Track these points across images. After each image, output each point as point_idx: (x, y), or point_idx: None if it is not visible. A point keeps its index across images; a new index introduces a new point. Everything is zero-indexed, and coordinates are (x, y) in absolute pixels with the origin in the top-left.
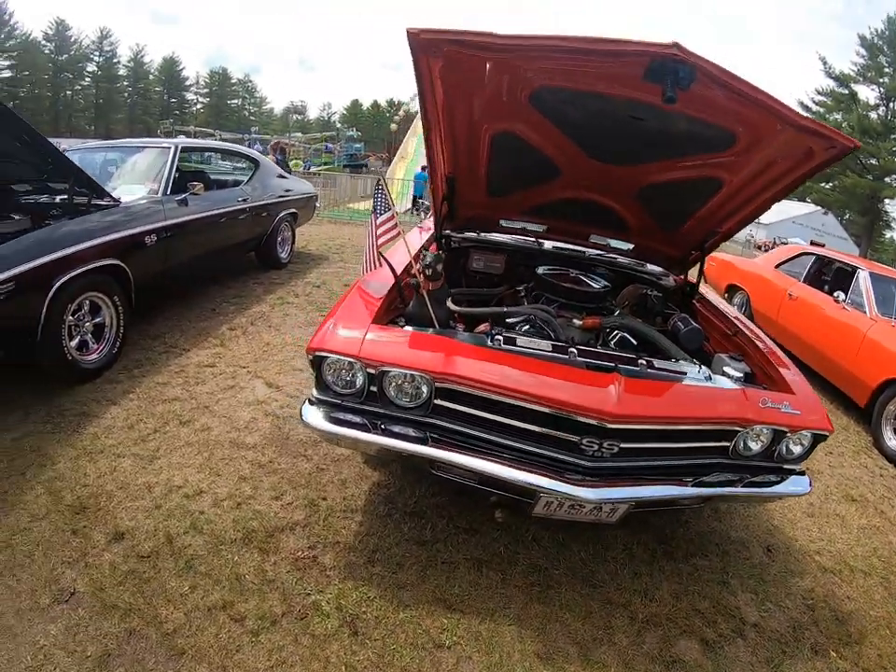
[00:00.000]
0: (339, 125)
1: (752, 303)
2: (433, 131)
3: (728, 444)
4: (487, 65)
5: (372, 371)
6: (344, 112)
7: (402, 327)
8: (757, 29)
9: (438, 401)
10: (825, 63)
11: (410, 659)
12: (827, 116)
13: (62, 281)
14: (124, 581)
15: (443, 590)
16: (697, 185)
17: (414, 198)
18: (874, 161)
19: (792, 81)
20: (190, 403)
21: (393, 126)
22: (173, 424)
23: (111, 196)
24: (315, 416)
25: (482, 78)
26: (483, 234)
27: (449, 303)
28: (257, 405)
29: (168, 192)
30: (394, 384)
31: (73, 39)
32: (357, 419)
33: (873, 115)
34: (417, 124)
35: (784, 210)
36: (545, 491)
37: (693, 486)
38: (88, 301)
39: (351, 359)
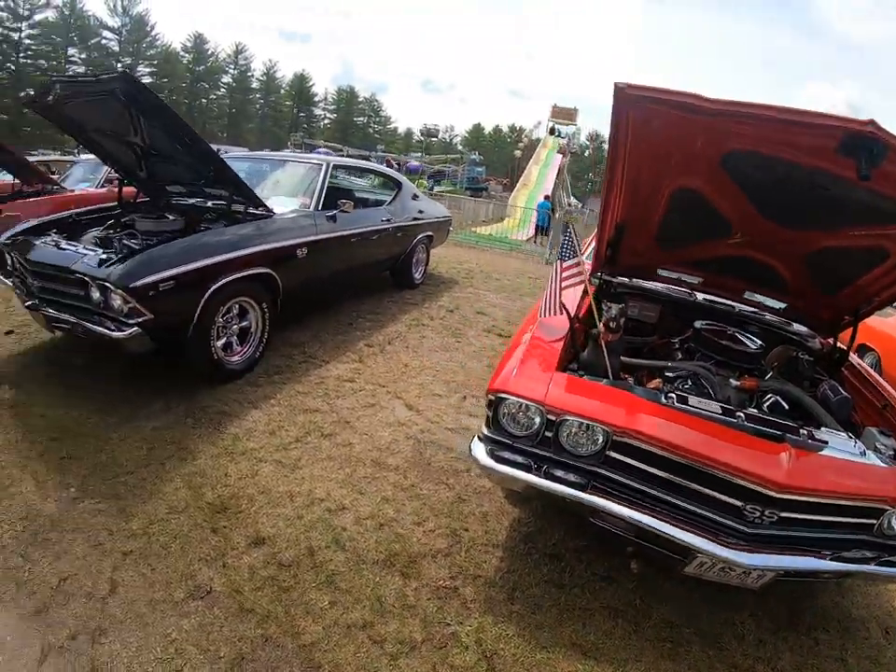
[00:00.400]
0: (460, 147)
1: (883, 365)
2: (615, 178)
3: (875, 522)
4: (686, 125)
5: (553, 417)
6: (466, 135)
7: (580, 375)
8: None
9: (611, 453)
10: None
11: None
12: None
13: (218, 284)
14: (263, 586)
15: (579, 635)
16: (865, 253)
17: (538, 227)
18: None
19: None
20: (331, 416)
21: (517, 153)
22: (314, 435)
23: (266, 207)
24: (482, 453)
25: (677, 136)
26: (637, 281)
27: (623, 358)
28: (397, 426)
29: (319, 208)
30: (570, 431)
31: (210, 52)
32: (521, 459)
33: None
34: (540, 153)
35: None
36: (704, 553)
37: (832, 560)
38: (237, 305)
39: (534, 404)
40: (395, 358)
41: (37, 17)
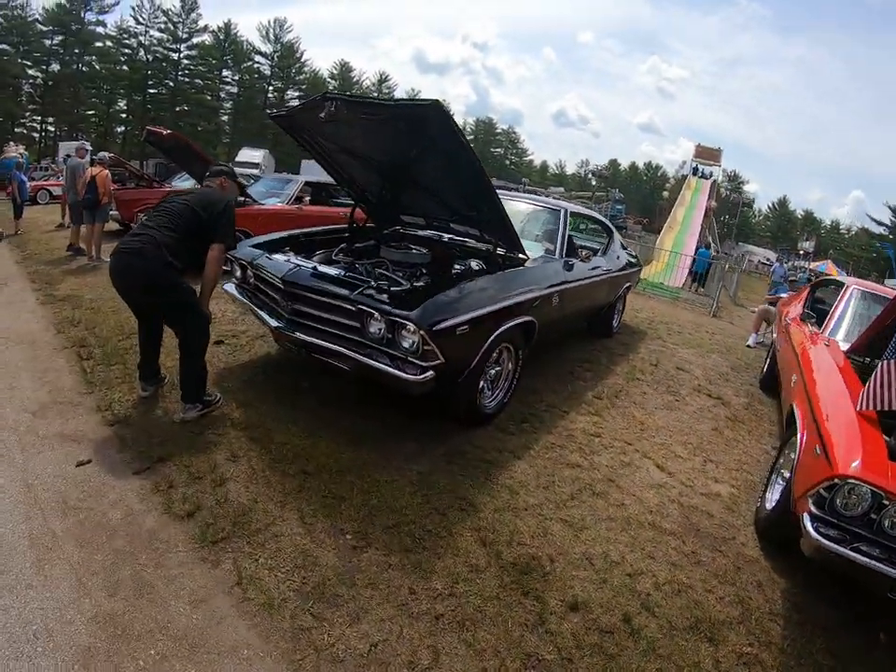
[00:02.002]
0: (594, 183)
1: None
2: None
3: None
4: None
5: (887, 502)
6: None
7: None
8: None
9: None
10: None
11: None
12: None
13: (500, 329)
14: (591, 654)
15: None
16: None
17: (695, 274)
18: None
19: None
20: (594, 474)
21: (665, 193)
22: (586, 493)
23: (524, 253)
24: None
25: None
26: None
27: None
28: (658, 489)
29: (563, 255)
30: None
31: (354, 80)
32: (839, 535)
33: None
34: (685, 194)
35: None
36: None
37: None
38: (499, 350)
39: (881, 491)
40: (628, 414)
41: (195, 40)
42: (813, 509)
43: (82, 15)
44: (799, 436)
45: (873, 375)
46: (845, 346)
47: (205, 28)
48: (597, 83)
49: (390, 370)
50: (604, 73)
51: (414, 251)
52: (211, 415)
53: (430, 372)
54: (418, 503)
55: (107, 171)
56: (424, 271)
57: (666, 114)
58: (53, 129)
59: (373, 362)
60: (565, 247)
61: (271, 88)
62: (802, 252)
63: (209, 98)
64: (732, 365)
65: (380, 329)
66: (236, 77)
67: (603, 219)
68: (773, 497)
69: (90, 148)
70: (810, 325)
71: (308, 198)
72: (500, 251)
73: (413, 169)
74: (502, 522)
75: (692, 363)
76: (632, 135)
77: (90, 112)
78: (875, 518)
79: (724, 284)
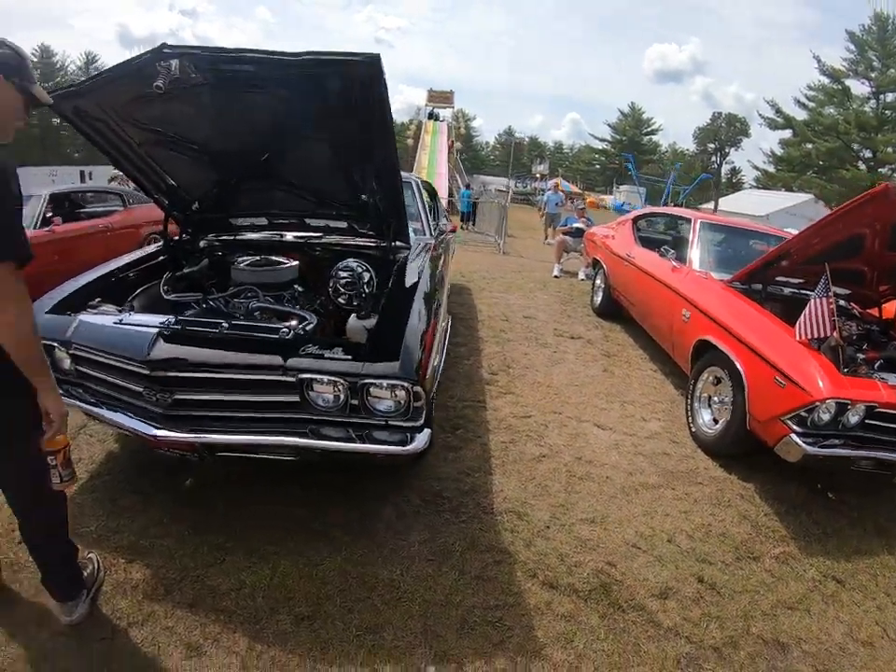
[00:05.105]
0: None
1: (611, 281)
2: None
3: None
4: None
5: (850, 407)
6: None
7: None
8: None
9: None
10: (818, 61)
11: None
12: (821, 110)
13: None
14: (706, 622)
15: None
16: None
17: (462, 214)
18: (868, 154)
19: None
20: (562, 459)
21: (409, 141)
22: (574, 482)
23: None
24: (805, 446)
25: None
26: None
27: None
28: (616, 448)
29: (432, 231)
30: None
31: (58, 65)
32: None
33: (867, 109)
34: (425, 138)
35: (778, 202)
36: None
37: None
38: None
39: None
40: (531, 381)
41: None
42: (797, 428)
43: None
44: (740, 367)
45: (806, 309)
46: (718, 277)
47: None
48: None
49: (383, 447)
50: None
51: (278, 265)
52: (102, 595)
53: (428, 431)
54: (454, 582)
55: None
56: (300, 289)
57: (387, 63)
58: None
59: (355, 445)
60: (430, 222)
61: None
62: (538, 175)
63: None
64: (558, 300)
65: (336, 397)
66: None
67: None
68: (706, 421)
69: None
70: (672, 260)
71: (58, 216)
72: (389, 243)
73: (280, 151)
74: (541, 552)
75: (530, 307)
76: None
77: None
78: (840, 420)
79: (503, 220)
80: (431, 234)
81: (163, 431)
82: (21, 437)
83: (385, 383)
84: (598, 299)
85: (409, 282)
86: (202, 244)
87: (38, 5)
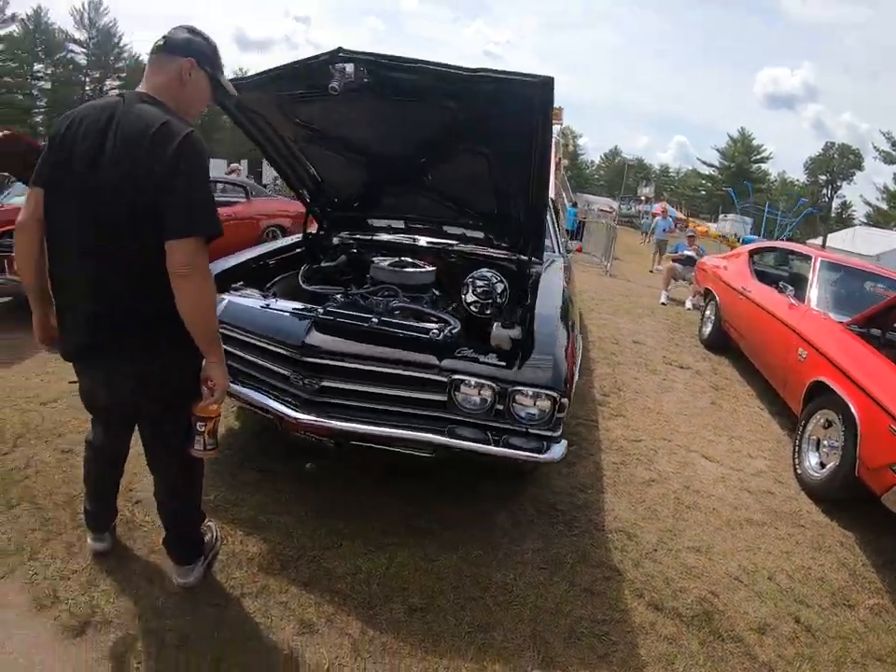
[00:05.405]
0: None
1: (722, 313)
2: None
3: None
4: None
5: None
6: None
7: None
8: None
9: None
10: None
11: None
12: None
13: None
14: (799, 663)
15: None
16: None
17: (568, 233)
18: None
19: None
20: (670, 485)
21: None
22: (682, 509)
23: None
24: None
25: None
26: None
27: None
28: (722, 481)
29: (560, 250)
30: None
31: None
32: None
33: None
34: None
35: (891, 242)
36: None
37: None
38: None
39: None
40: (641, 406)
41: (1, 31)
42: None
43: None
44: (855, 412)
45: None
46: (836, 318)
47: (13, 17)
48: (426, 49)
49: (523, 453)
50: (431, 39)
51: (417, 268)
52: (217, 563)
53: (565, 442)
54: (564, 592)
55: None
56: (437, 293)
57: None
58: None
59: (497, 448)
60: (559, 241)
61: (88, 79)
62: (643, 198)
63: (20, 97)
64: (666, 328)
65: (483, 400)
66: (49, 71)
67: None
68: (813, 464)
69: None
70: (791, 297)
71: None
72: (524, 257)
73: (433, 159)
74: (648, 573)
75: (638, 332)
76: None
77: None
78: None
79: (612, 242)
80: (561, 253)
81: (305, 415)
82: (181, 401)
83: (531, 391)
84: (707, 330)
85: (549, 297)
86: (335, 240)
87: (158, 7)
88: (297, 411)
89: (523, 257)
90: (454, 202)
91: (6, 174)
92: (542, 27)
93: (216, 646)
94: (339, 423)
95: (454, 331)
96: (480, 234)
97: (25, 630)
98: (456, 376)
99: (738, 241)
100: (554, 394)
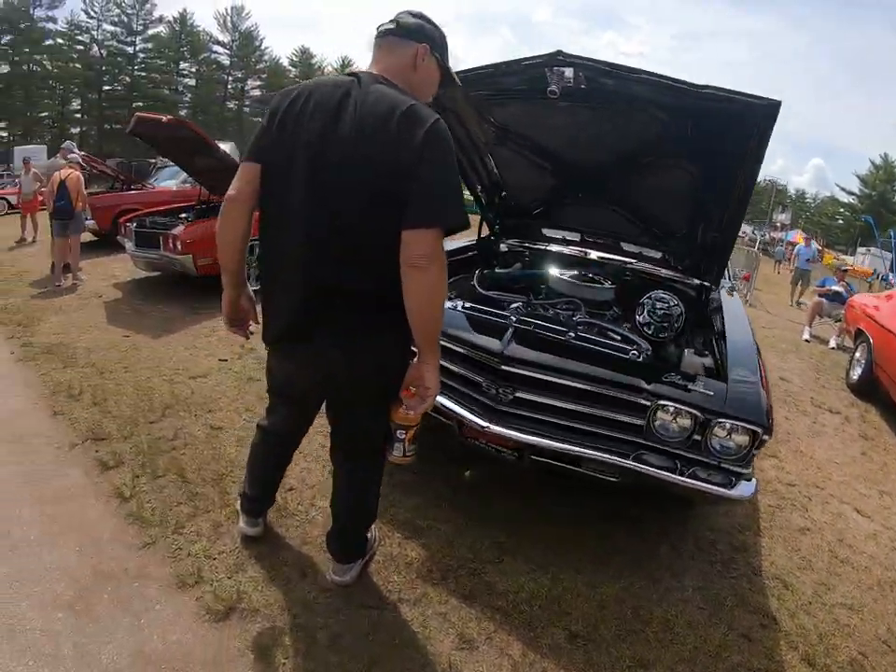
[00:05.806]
0: None
1: (875, 356)
2: None
3: None
4: None
5: None
6: None
7: None
8: None
9: None
10: None
11: None
12: None
13: None
14: None
15: None
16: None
17: None
18: None
19: None
20: (824, 536)
21: None
22: (836, 563)
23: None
24: None
25: None
26: None
27: None
28: (874, 539)
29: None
30: None
31: (316, 66)
32: None
33: None
34: None
35: None
36: None
37: None
38: None
39: None
40: (794, 448)
41: (150, 31)
42: None
43: (31, 12)
44: None
45: None
46: None
47: (161, 19)
48: None
49: (715, 488)
50: (561, 48)
51: (601, 283)
52: (373, 565)
53: (755, 480)
54: (723, 635)
55: (79, 173)
56: (618, 311)
57: None
58: (6, 133)
59: (689, 480)
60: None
61: (230, 78)
62: (779, 224)
63: (167, 92)
64: (811, 367)
65: (682, 429)
66: (194, 70)
67: None
68: None
69: (76, 152)
70: None
71: None
72: (705, 282)
73: (628, 172)
74: (803, 626)
75: (784, 369)
76: None
77: (43, 114)
78: None
79: (756, 269)
80: (730, 278)
81: (494, 425)
82: (386, 400)
83: (733, 423)
84: (857, 373)
85: (739, 325)
86: (503, 247)
87: (295, 11)
88: (486, 420)
89: (704, 282)
90: (640, 217)
91: (153, 160)
92: (673, 38)
93: (369, 649)
94: (530, 437)
95: (648, 353)
96: (658, 254)
97: (164, 606)
98: (665, 402)
99: (878, 279)
100: (758, 429)
